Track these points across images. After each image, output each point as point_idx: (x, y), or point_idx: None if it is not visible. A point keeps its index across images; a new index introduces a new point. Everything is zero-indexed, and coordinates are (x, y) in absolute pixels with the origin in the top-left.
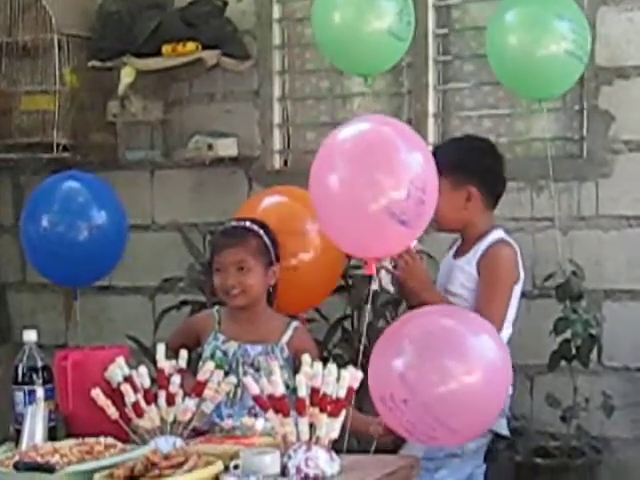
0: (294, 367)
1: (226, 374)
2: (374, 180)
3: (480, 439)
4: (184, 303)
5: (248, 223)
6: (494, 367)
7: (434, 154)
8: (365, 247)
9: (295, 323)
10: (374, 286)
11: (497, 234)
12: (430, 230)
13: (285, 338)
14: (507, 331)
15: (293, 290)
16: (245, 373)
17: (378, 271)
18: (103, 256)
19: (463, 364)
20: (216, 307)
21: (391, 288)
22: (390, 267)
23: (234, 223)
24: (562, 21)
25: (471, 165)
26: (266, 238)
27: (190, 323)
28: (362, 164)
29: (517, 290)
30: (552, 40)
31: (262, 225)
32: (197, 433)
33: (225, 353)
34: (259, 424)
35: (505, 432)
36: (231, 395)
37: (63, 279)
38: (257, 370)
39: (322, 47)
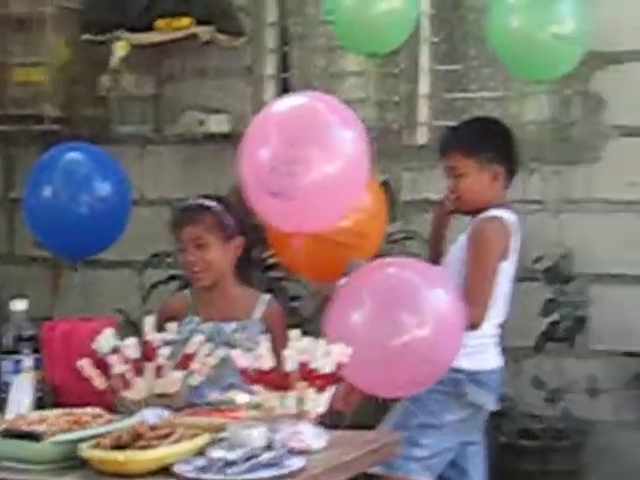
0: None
1: None
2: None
3: (457, 411)
4: (173, 278)
5: (201, 200)
6: (445, 320)
7: (450, 136)
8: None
9: (266, 296)
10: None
11: (496, 211)
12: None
13: (258, 313)
14: (502, 309)
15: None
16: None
17: None
18: (106, 228)
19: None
20: (188, 290)
21: None
22: None
23: (190, 201)
24: (559, 3)
25: (496, 145)
26: (223, 214)
27: (164, 309)
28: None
29: (505, 267)
30: (549, 22)
31: (222, 201)
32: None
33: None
34: (244, 398)
35: (491, 407)
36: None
37: (64, 251)
38: (232, 347)
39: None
